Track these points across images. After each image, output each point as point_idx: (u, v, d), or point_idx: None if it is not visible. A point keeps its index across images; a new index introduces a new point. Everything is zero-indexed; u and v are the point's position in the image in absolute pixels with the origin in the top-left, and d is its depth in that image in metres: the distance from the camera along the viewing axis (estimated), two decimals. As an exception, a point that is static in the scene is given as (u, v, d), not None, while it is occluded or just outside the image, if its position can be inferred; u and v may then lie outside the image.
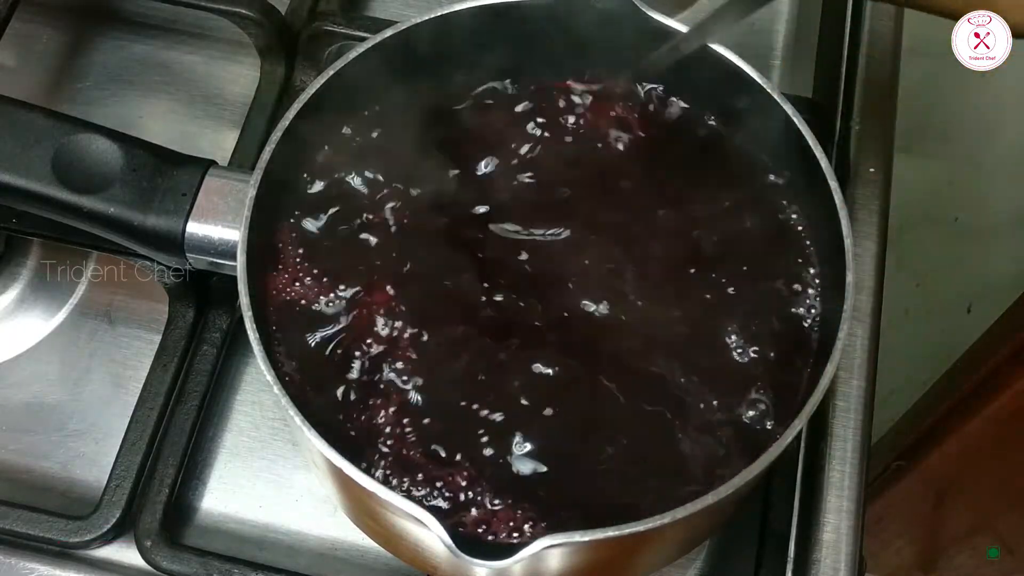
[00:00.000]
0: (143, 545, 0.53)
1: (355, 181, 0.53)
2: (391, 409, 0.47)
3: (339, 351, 0.49)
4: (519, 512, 0.45)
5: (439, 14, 0.52)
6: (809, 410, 0.45)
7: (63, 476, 0.58)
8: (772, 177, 0.53)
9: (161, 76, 0.68)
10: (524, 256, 0.51)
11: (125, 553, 0.55)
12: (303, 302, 0.50)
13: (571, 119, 0.55)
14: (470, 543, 0.41)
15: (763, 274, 0.51)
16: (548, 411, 0.47)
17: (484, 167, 0.53)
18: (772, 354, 0.49)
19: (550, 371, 0.48)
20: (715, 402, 0.48)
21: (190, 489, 0.57)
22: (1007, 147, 0.99)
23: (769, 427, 0.48)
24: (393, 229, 0.52)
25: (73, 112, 0.53)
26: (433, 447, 0.46)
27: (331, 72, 0.52)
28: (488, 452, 0.46)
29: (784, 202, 0.53)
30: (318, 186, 0.53)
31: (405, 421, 0.47)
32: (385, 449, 0.47)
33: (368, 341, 0.49)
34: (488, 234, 0.52)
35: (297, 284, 0.50)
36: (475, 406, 0.47)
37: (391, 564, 0.55)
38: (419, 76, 0.54)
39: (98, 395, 0.59)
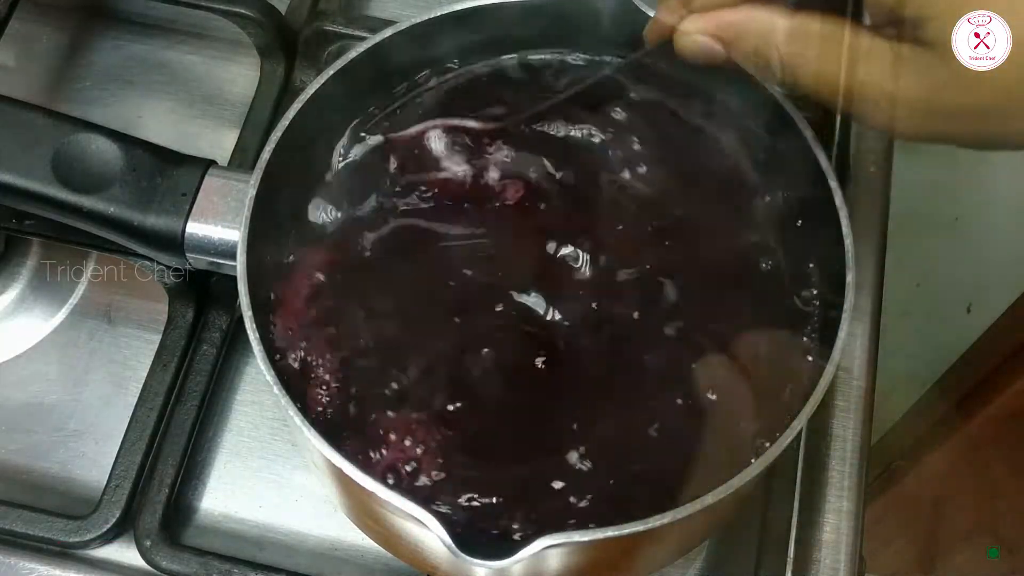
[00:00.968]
0: (143, 545, 0.53)
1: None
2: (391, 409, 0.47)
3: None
4: (519, 512, 0.45)
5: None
6: (809, 410, 0.45)
7: (63, 476, 0.58)
8: (772, 177, 0.53)
9: (161, 76, 0.68)
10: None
11: (125, 553, 0.55)
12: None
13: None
14: (470, 543, 0.41)
15: (762, 275, 0.51)
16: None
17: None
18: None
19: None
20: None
21: (190, 489, 0.57)
22: (1007, 147, 0.99)
23: None
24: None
25: (73, 112, 0.53)
26: (433, 447, 0.46)
27: (331, 72, 0.52)
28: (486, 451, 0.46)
29: (784, 202, 0.53)
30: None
31: (405, 421, 0.47)
32: (385, 449, 0.47)
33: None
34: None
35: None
36: (475, 406, 0.47)
37: (391, 564, 0.55)
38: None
39: (98, 395, 0.59)
